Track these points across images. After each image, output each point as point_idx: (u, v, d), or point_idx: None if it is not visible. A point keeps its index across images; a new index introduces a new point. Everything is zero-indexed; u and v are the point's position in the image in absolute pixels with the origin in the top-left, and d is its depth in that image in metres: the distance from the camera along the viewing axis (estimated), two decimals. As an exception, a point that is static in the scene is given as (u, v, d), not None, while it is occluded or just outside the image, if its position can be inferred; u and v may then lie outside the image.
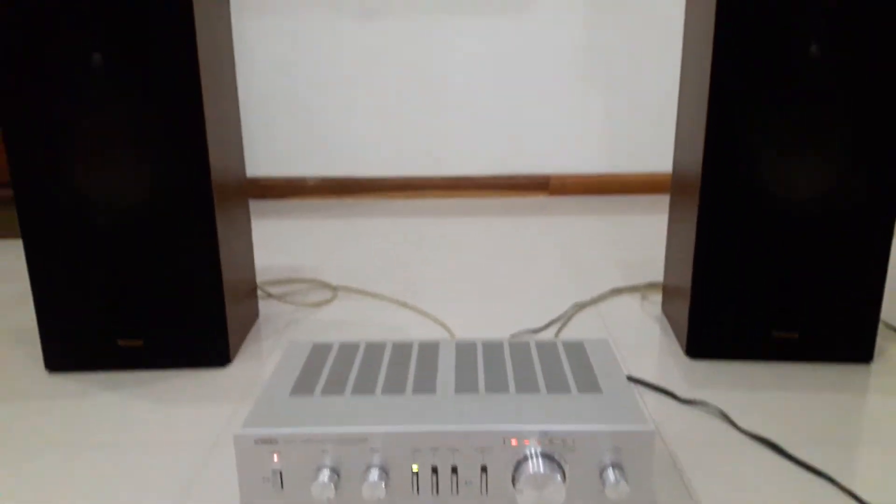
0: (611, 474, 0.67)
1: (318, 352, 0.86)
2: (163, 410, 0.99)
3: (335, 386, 0.77)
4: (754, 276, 1.09)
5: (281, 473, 0.69)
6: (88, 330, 1.08)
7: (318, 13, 2.09)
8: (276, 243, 1.76)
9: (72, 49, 0.98)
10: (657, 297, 1.38)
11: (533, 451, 0.68)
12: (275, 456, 0.68)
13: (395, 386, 0.76)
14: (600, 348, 0.86)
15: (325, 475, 0.68)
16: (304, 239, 1.79)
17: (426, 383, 0.77)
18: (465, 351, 0.85)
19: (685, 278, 1.14)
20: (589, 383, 0.77)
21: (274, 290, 1.43)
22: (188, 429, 0.95)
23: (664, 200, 2.13)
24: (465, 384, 0.77)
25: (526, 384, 0.76)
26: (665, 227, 1.85)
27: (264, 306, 1.35)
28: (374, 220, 1.96)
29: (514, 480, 0.68)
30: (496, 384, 0.77)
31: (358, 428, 0.68)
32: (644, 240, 1.75)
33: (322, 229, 1.87)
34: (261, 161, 2.19)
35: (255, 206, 2.12)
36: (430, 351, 0.85)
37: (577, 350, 0.85)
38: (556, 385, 0.76)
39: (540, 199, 2.17)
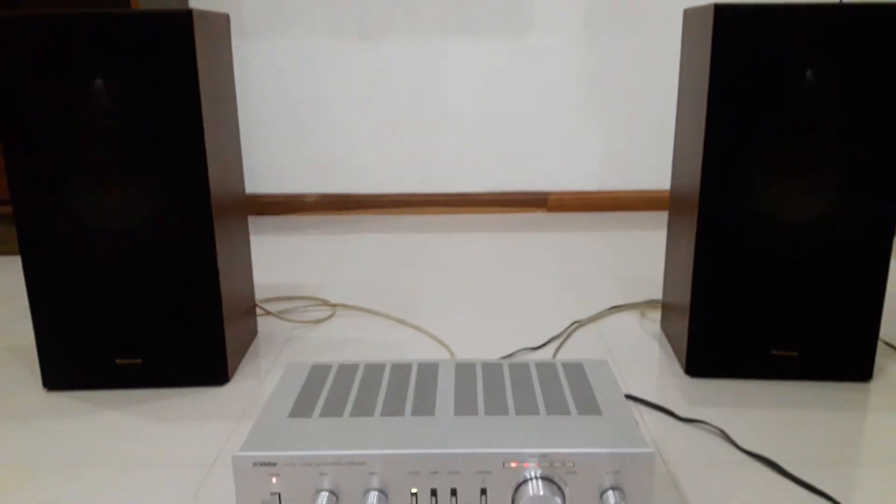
0: (611, 497, 0.67)
1: (317, 373, 0.85)
2: (162, 429, 0.99)
3: (334, 408, 0.77)
4: (753, 294, 1.09)
5: (280, 496, 0.68)
6: (87, 348, 1.08)
7: (317, 34, 2.10)
8: (274, 260, 1.76)
9: (74, 73, 0.99)
10: (656, 315, 1.38)
11: (533, 474, 0.68)
12: (273, 479, 0.68)
13: (394, 408, 0.76)
14: (599, 369, 0.86)
15: (323, 498, 0.67)
16: (303, 255, 1.79)
17: (425, 405, 0.77)
18: (464, 372, 0.85)
19: (684, 296, 1.14)
20: (588, 405, 0.77)
21: (272, 307, 1.43)
22: (187, 448, 0.94)
23: (661, 217, 2.14)
24: (464, 406, 0.77)
25: (526, 406, 0.76)
26: (663, 243, 1.85)
27: (263, 323, 1.35)
28: (372, 235, 1.97)
29: (513, 503, 0.68)
30: (496, 406, 0.76)
31: (357, 451, 0.68)
32: (642, 256, 1.76)
33: (321, 245, 1.87)
34: (260, 178, 2.20)
35: (254, 222, 2.13)
36: (429, 372, 0.85)
37: (576, 371, 0.85)
38: (556, 407, 0.76)
39: (538, 216, 2.18)
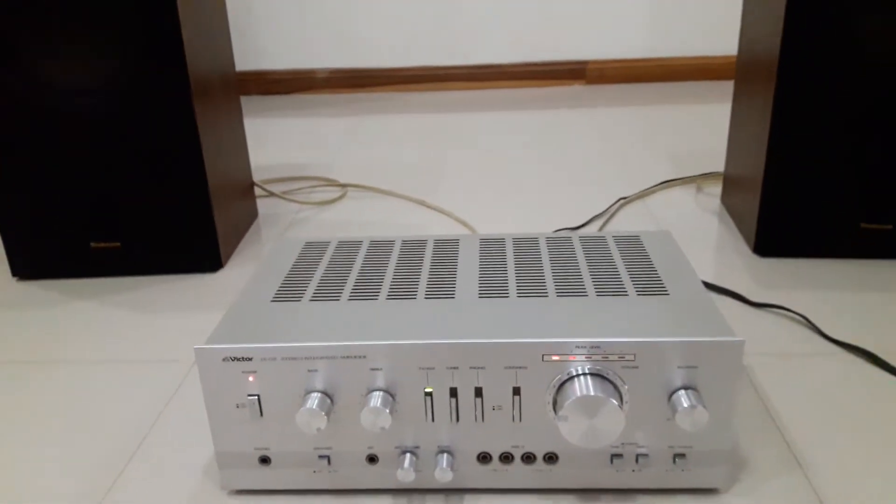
0: (683, 398, 0.52)
1: (311, 251, 0.70)
2: (142, 320, 0.86)
3: (329, 291, 0.61)
4: (839, 160, 0.90)
5: (259, 399, 0.54)
6: (58, 231, 0.94)
7: None
8: (280, 141, 1.59)
9: None
10: (715, 189, 1.19)
11: (580, 369, 0.52)
12: (250, 377, 0.54)
13: (403, 291, 0.61)
14: (662, 242, 0.69)
15: (314, 400, 0.53)
16: (313, 136, 1.62)
17: (443, 287, 0.61)
18: (491, 249, 0.69)
19: (754, 166, 0.95)
20: (650, 284, 0.60)
21: (276, 188, 1.27)
22: (170, 340, 0.81)
23: (719, 87, 1.89)
24: (491, 288, 0.61)
25: (569, 287, 0.60)
26: (722, 118, 1.63)
27: (265, 206, 1.20)
28: (390, 116, 1.77)
29: (555, 405, 0.53)
30: (531, 288, 0.60)
31: (356, 341, 0.53)
32: (697, 132, 1.54)
33: (332, 126, 1.68)
34: (265, 52, 1.99)
35: (260, 102, 1.94)
36: (448, 249, 0.69)
37: (632, 245, 0.68)
38: (609, 287, 0.60)
39: (575, 89, 1.95)
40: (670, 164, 1.32)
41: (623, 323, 0.54)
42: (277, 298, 0.60)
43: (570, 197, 1.19)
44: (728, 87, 1.86)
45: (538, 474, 0.56)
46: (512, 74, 1.97)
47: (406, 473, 0.55)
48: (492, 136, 1.55)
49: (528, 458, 0.56)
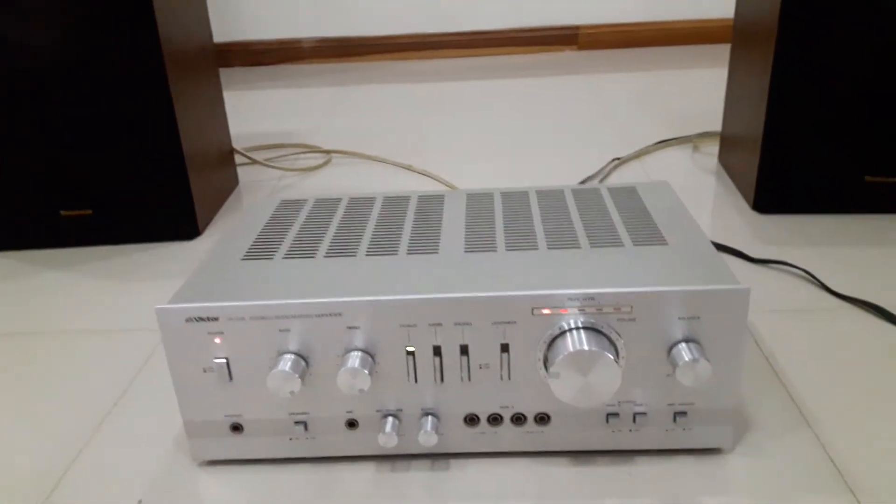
0: (684, 351, 0.48)
1: (286, 209, 0.66)
2: (113, 289, 0.82)
3: (303, 249, 0.57)
4: (841, 111, 0.86)
5: (228, 363, 0.50)
6: (25, 198, 0.89)
7: None
8: (265, 113, 1.54)
9: None
10: (712, 149, 1.15)
11: (573, 323, 0.49)
12: (216, 339, 0.50)
13: (384, 247, 0.57)
14: (660, 193, 0.65)
15: (287, 362, 0.49)
16: (298, 107, 1.57)
17: (426, 242, 0.57)
18: (478, 203, 0.65)
19: (753, 121, 0.91)
20: (648, 234, 0.56)
21: (259, 156, 1.22)
22: (143, 309, 0.77)
23: (715, 51, 1.84)
24: (477, 242, 0.57)
25: (561, 240, 0.56)
26: (718, 80, 1.58)
27: (247, 173, 1.15)
28: (379, 85, 1.72)
29: (546, 363, 0.49)
30: (520, 241, 0.57)
31: (331, 297, 0.49)
32: (692, 94, 1.50)
33: (319, 97, 1.63)
34: (249, 21, 1.93)
35: (244, 73, 1.88)
36: (433, 205, 0.65)
37: (628, 196, 0.64)
38: (603, 239, 0.56)
39: (568, 55, 1.90)
40: (666, 127, 1.27)
41: (619, 273, 0.50)
42: (248, 257, 0.56)
43: (563, 160, 1.14)
44: (725, 50, 1.81)
45: (529, 436, 0.53)
46: (502, 40, 1.92)
47: (388, 438, 0.51)
48: (481, 104, 1.50)
49: (518, 419, 0.52)
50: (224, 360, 0.50)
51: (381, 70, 1.84)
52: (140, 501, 0.52)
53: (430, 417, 0.52)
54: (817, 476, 0.51)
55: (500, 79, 1.69)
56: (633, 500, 0.50)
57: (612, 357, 0.47)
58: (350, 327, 0.50)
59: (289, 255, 0.56)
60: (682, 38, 1.90)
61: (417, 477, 0.52)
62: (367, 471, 0.53)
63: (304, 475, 0.53)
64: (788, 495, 0.49)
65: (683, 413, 0.52)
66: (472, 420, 0.52)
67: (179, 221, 0.92)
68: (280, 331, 0.50)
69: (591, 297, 0.48)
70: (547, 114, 1.39)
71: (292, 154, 1.24)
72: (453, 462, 0.53)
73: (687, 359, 0.48)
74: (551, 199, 0.64)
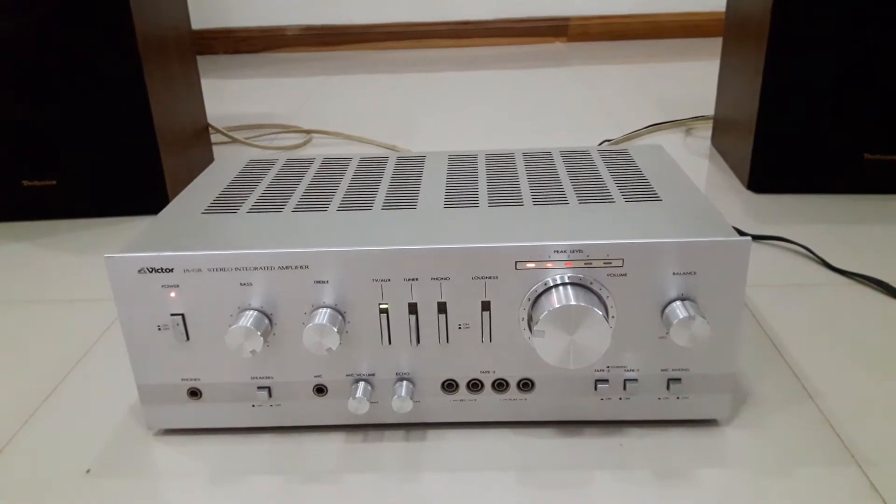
0: (679, 309, 0.44)
1: (254, 167, 0.62)
2: (79, 261, 0.77)
3: (270, 204, 0.53)
4: (839, 88, 0.83)
5: (184, 318, 0.46)
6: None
7: None
8: (247, 98, 1.50)
9: None
10: (705, 133, 1.12)
11: (559, 278, 0.45)
12: (171, 293, 0.46)
13: (357, 203, 0.53)
14: (653, 154, 0.61)
15: (248, 318, 0.45)
16: (282, 92, 1.53)
17: (403, 198, 0.53)
18: (461, 164, 0.61)
19: (748, 101, 0.88)
20: (640, 191, 0.53)
21: (239, 135, 1.18)
22: (102, 281, 0.73)
23: (704, 44, 1.82)
24: (458, 198, 0.53)
25: (548, 196, 0.53)
26: (710, 72, 1.56)
27: (225, 152, 1.11)
28: (364, 75, 1.68)
29: (530, 322, 0.45)
30: (504, 197, 0.53)
31: (297, 248, 0.45)
32: (683, 86, 1.47)
33: (302, 86, 1.59)
34: (233, 8, 1.89)
35: (226, 61, 1.84)
36: (412, 164, 0.61)
37: (620, 158, 0.61)
38: (593, 195, 0.52)
39: (557, 47, 1.87)
40: (657, 115, 1.24)
41: (609, 225, 0.47)
42: (210, 211, 0.52)
43: (552, 144, 1.11)
44: (714, 43, 1.79)
45: (511, 404, 0.49)
46: (491, 31, 1.89)
47: (359, 404, 0.47)
48: (471, 96, 1.47)
49: (500, 385, 0.48)
50: (180, 317, 0.46)
51: (367, 59, 1.81)
52: (88, 471, 0.47)
53: (404, 382, 0.48)
54: (821, 448, 0.47)
55: (488, 69, 1.66)
56: (624, 472, 0.46)
57: (601, 314, 0.43)
58: (318, 281, 0.46)
59: (254, 210, 0.52)
60: (671, 30, 1.88)
61: (391, 448, 0.48)
62: (336, 441, 0.49)
63: (267, 446, 0.49)
64: (791, 468, 0.46)
65: (678, 380, 0.48)
66: (450, 386, 0.48)
67: (148, 196, 0.87)
68: (241, 284, 0.46)
69: (578, 250, 0.44)
70: (535, 103, 1.36)
71: (272, 133, 1.19)
72: (430, 432, 0.49)
73: (682, 316, 0.44)
74: (539, 159, 0.61)
